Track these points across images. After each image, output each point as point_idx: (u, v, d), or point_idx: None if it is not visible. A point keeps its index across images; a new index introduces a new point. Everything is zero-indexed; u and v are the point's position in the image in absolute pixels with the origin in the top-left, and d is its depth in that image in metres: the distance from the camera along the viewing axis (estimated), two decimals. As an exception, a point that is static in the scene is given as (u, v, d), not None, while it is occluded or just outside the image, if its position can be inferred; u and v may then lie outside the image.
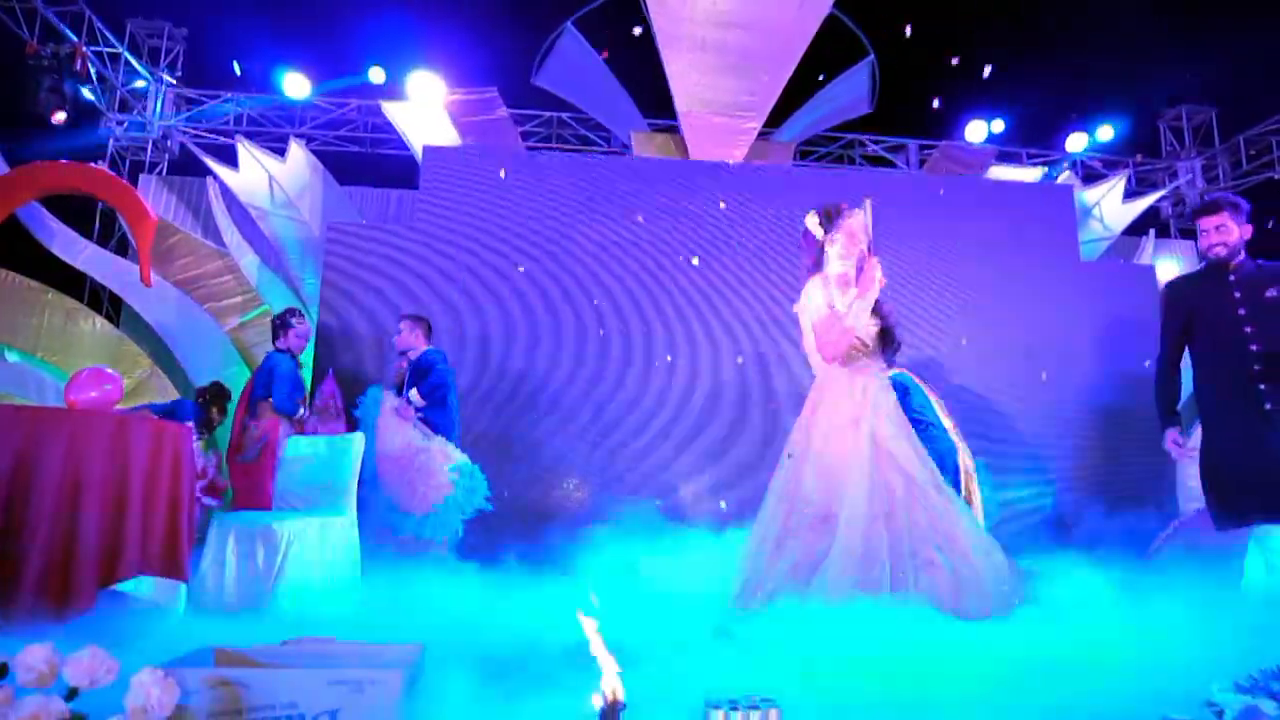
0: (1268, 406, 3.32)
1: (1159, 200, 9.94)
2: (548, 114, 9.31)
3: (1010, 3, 9.22)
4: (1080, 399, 7.09)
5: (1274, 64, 8.72)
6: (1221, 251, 3.50)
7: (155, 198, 8.05)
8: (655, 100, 8.13)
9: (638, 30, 7.55)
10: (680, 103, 7.70)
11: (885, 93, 8.77)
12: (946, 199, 7.42)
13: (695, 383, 6.73)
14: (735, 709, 1.74)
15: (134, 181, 8.20)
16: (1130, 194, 9.07)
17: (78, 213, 7.56)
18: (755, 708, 1.76)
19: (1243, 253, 3.53)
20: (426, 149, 7.03)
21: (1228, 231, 3.49)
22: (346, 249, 6.60)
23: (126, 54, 8.34)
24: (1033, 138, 9.92)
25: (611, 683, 1.68)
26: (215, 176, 7.42)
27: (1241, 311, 3.41)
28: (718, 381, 6.74)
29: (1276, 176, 9.20)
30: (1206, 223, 3.57)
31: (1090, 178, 9.52)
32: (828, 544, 2.91)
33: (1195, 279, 3.74)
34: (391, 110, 7.84)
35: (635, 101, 8.37)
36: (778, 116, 8.51)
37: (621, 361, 6.68)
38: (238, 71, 8.69)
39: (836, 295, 3.11)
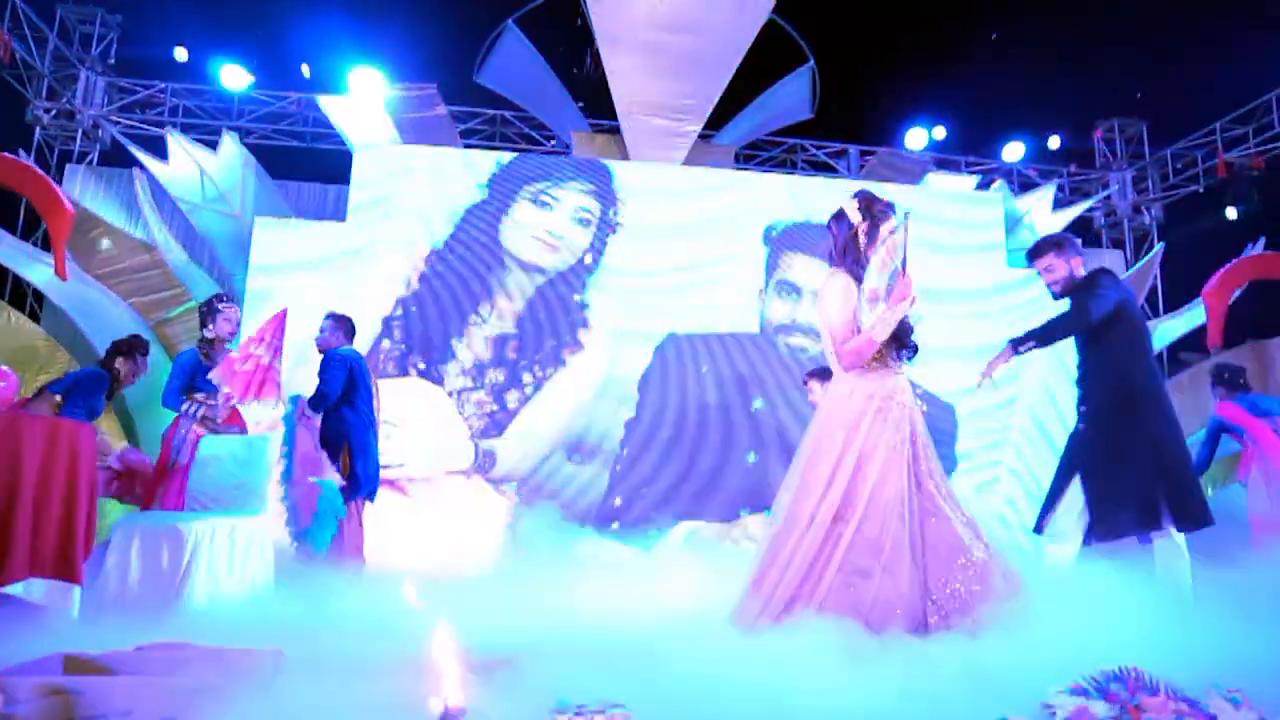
0: (1080, 426, 3.73)
1: (1092, 210, 10.19)
2: (491, 112, 9.27)
3: (954, 14, 9.42)
4: (1016, 402, 7.25)
5: (1202, 81, 9.02)
6: (1056, 289, 3.76)
7: (82, 189, 7.85)
8: (597, 101, 8.14)
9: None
10: (620, 104, 7.71)
11: (829, 99, 8.88)
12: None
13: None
14: (580, 714, 1.76)
15: (60, 171, 8.00)
16: (1064, 204, 9.28)
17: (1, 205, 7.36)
18: (601, 712, 1.79)
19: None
20: (358, 146, 6.97)
21: (1054, 271, 3.75)
22: (275, 245, 6.50)
23: (55, 40, 8.12)
24: (971, 147, 10.12)
25: (453, 688, 1.69)
26: (143, 168, 7.25)
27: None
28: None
29: (1201, 190, 9.47)
30: (1037, 265, 3.83)
31: (1026, 187, 9.71)
32: (847, 555, 2.76)
33: None
34: (329, 105, 7.73)
35: (577, 101, 8.38)
36: (721, 120, 8.58)
37: (548, 361, 6.69)
38: (184, 57, 8.51)
39: (865, 307, 2.96)
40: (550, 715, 1.74)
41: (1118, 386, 3.59)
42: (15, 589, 3.36)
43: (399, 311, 6.65)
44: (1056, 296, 3.77)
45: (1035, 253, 3.84)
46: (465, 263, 6.78)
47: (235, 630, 3.38)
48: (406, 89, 7.78)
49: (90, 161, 8.49)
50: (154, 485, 4.88)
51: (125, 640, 2.67)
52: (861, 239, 3.04)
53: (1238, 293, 6.91)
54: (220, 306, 5.08)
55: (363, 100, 7.73)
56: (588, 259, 6.93)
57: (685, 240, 7.09)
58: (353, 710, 1.76)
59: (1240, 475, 5.35)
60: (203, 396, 4.91)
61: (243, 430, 4.91)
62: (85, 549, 3.81)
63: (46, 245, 7.64)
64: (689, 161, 7.82)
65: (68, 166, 8.15)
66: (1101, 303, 3.53)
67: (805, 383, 5.73)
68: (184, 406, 4.92)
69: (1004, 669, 2.01)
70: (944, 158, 9.81)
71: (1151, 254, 8.66)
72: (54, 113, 8.34)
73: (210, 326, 5.06)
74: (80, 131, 8.44)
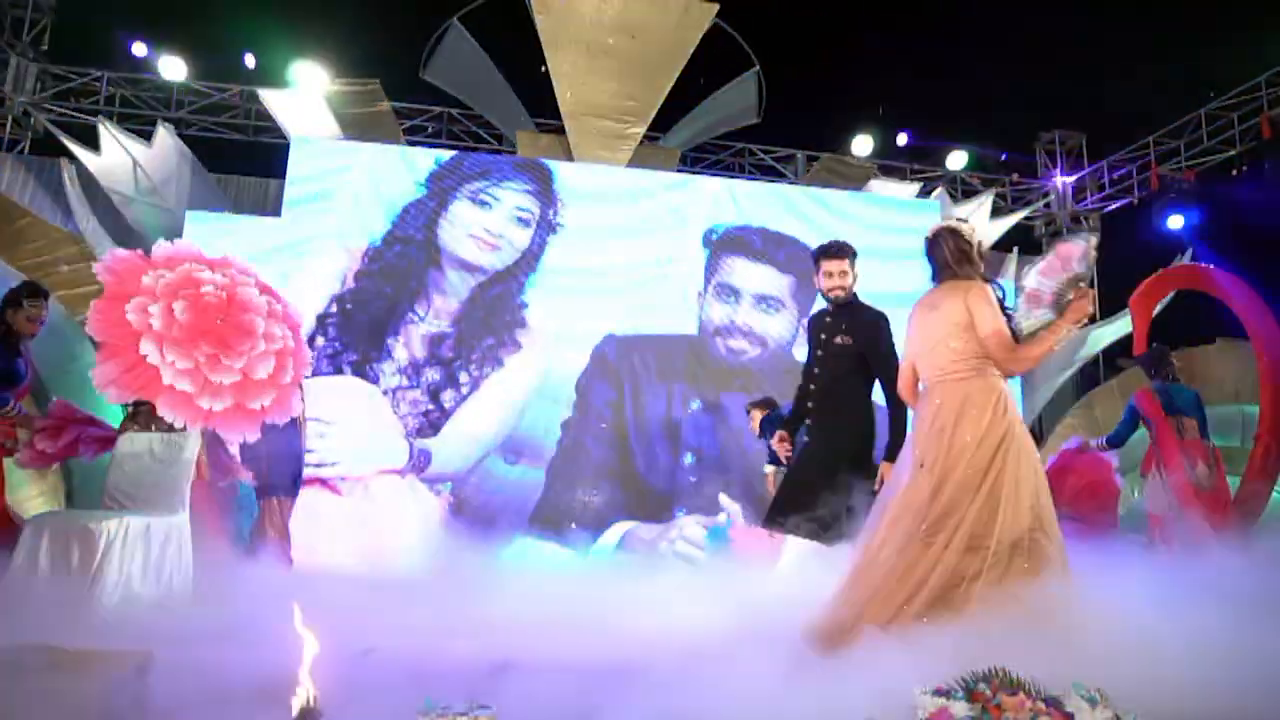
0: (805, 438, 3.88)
1: (1033, 219, 10.42)
2: (438, 109, 9.20)
3: (902, 23, 9.57)
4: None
5: (1137, 96, 9.27)
6: (841, 294, 3.86)
7: (10, 178, 7.66)
8: (544, 100, 8.12)
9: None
10: (565, 104, 7.72)
11: (776, 104, 8.96)
12: (825, 211, 7.61)
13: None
14: (444, 714, 1.77)
15: (-17, 160, 7.80)
16: (1005, 212, 9.48)
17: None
18: (467, 714, 1.79)
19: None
20: (295, 140, 6.88)
21: (847, 277, 3.86)
22: (207, 240, 6.38)
23: (-17, 25, 7.91)
24: (916, 154, 10.28)
25: (307, 688, 1.68)
26: (72, 158, 7.08)
27: (820, 353, 3.88)
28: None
29: (1134, 201, 9.72)
30: (833, 266, 3.87)
31: (970, 194, 9.89)
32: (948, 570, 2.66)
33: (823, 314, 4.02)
34: (270, 98, 7.62)
35: (523, 101, 8.35)
36: (668, 123, 8.62)
37: (485, 361, 6.67)
38: (142, 51, 8.33)
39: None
40: (415, 716, 1.74)
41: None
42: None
43: (334, 309, 6.58)
44: (840, 301, 3.88)
45: (837, 253, 3.88)
46: (402, 260, 6.73)
47: (140, 632, 3.34)
48: (349, 83, 7.70)
49: (21, 150, 8.27)
50: None
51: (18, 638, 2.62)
52: (975, 251, 3.11)
53: (1165, 302, 7.11)
54: (25, 302, 4.33)
55: (304, 94, 7.63)
56: (527, 259, 6.92)
57: (625, 241, 7.11)
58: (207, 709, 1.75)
59: (1143, 469, 5.48)
60: None
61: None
62: (-12, 548, 3.72)
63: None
64: (634, 163, 7.85)
65: (-7, 155, 7.94)
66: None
67: (748, 412, 5.81)
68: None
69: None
70: (889, 164, 9.95)
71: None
72: (-19, 99, 8.12)
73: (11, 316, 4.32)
74: (10, 119, 8.22)
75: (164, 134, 7.26)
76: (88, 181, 7.29)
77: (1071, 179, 10.35)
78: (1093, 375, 9.25)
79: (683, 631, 2.99)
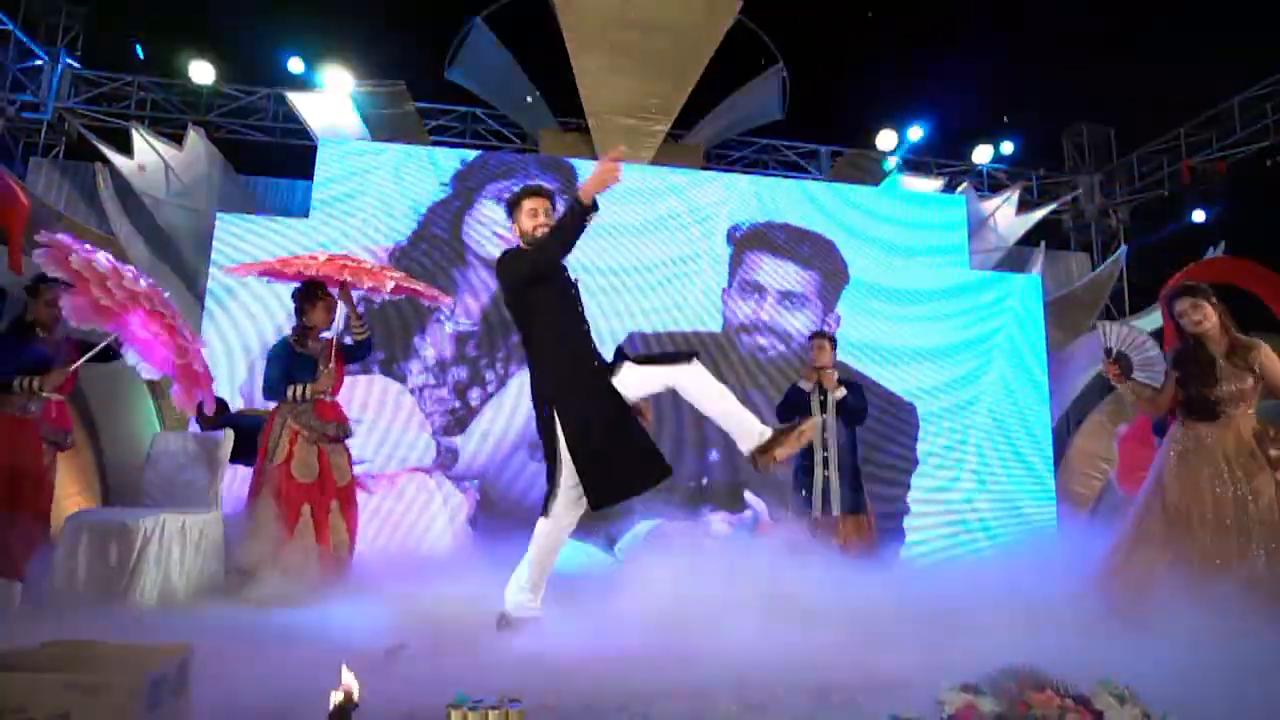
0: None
1: (1060, 213, 10.30)
2: (463, 109, 9.25)
3: (928, 17, 9.50)
4: (977, 403, 7.33)
5: (1168, 87, 9.14)
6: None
7: (46, 183, 7.80)
8: (568, 99, 8.15)
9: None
10: (588, 103, 7.74)
11: (802, 99, 8.93)
12: (850, 207, 7.58)
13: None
14: (476, 708, 1.80)
15: (18, 165, 7.94)
16: (1032, 206, 9.38)
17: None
18: (495, 707, 1.82)
19: None
20: (322, 141, 6.97)
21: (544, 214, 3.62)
22: (237, 241, 6.50)
23: (17, 32, 8.06)
24: (942, 148, 10.19)
25: (348, 682, 1.72)
26: (106, 162, 7.22)
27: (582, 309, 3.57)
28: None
29: (1166, 194, 9.59)
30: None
31: (997, 189, 9.79)
32: None
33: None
34: (297, 101, 7.72)
35: (548, 100, 8.38)
36: (692, 120, 8.62)
37: (511, 359, 6.71)
38: (141, 54, 8.49)
39: None
40: (445, 709, 1.77)
41: None
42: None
43: (362, 309, 6.62)
44: None
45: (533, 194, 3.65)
46: (429, 260, 6.79)
47: (175, 627, 3.42)
48: (374, 85, 7.77)
49: (56, 155, 8.42)
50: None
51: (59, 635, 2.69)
52: None
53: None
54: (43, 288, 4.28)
55: (331, 96, 7.72)
56: (552, 257, 6.94)
57: (649, 239, 7.12)
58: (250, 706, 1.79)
59: None
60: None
61: None
62: (29, 547, 3.82)
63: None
64: (658, 161, 7.86)
65: (31, 159, 8.09)
66: None
67: (810, 339, 5.41)
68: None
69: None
70: (914, 159, 9.88)
71: (1114, 256, 8.77)
72: (18, 106, 8.27)
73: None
74: (45, 124, 8.38)
75: (194, 137, 7.37)
76: (121, 185, 7.42)
77: (1099, 174, 10.21)
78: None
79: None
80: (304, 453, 4.41)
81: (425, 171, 6.98)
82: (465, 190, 7.00)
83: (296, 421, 4.44)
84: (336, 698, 1.69)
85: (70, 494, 5.87)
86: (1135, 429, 5.99)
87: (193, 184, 7.26)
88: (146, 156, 7.21)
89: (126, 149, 7.36)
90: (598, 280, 6.96)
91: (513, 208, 3.67)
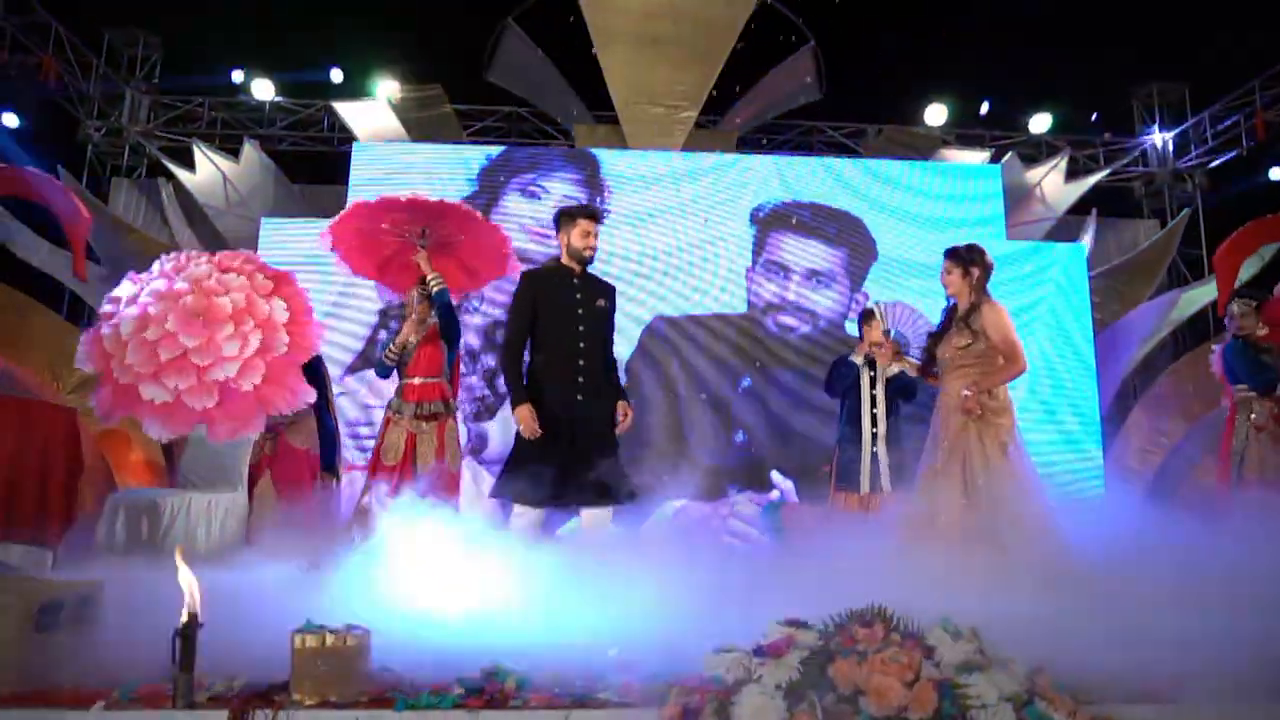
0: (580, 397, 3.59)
1: (1130, 180, 9.80)
2: (506, 109, 9.53)
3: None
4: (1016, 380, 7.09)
5: (1241, 38, 8.57)
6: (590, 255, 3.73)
7: (126, 201, 8.48)
8: (599, 92, 8.29)
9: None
10: (616, 95, 7.86)
11: (848, 78, 8.80)
12: (881, 182, 7.47)
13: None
14: (318, 632, 1.96)
15: (106, 185, 8.65)
16: (1087, 174, 8.98)
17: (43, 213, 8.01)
18: (338, 631, 1.98)
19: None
20: (356, 145, 7.35)
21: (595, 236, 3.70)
22: (280, 243, 6.93)
23: (102, 64, 8.79)
24: (997, 119, 9.83)
25: (191, 601, 1.91)
26: (170, 178, 7.82)
27: (580, 312, 3.64)
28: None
29: (1242, 153, 9.00)
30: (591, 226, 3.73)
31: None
32: None
33: (542, 275, 3.88)
34: (343, 110, 8.15)
35: (581, 95, 8.55)
36: (727, 105, 8.63)
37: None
38: (239, 79, 9.11)
39: None
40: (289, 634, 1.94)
41: None
42: (-10, 553, 3.78)
43: (396, 301, 6.97)
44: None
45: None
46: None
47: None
48: (413, 89, 8.12)
49: (138, 175, 9.14)
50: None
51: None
52: None
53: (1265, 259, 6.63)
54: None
55: (373, 104, 8.12)
56: (575, 246, 7.11)
57: (673, 224, 7.20)
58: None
59: None
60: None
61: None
62: (62, 518, 4.23)
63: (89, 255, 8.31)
64: (690, 147, 7.91)
65: (114, 180, 8.82)
66: None
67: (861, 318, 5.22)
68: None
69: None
70: (966, 133, 9.58)
71: (1174, 222, 8.31)
72: (103, 131, 9.03)
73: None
74: (127, 147, 9.11)
75: (249, 150, 7.90)
76: (187, 198, 8.01)
77: (1171, 134, 9.66)
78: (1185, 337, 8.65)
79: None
80: (394, 435, 4.50)
81: (454, 169, 7.27)
82: (492, 185, 7.25)
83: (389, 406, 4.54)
84: (182, 617, 1.88)
85: (139, 459, 6.37)
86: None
87: (248, 193, 7.78)
88: (207, 170, 7.76)
89: (193, 165, 7.94)
90: (622, 266, 7.08)
91: (566, 221, 3.72)
